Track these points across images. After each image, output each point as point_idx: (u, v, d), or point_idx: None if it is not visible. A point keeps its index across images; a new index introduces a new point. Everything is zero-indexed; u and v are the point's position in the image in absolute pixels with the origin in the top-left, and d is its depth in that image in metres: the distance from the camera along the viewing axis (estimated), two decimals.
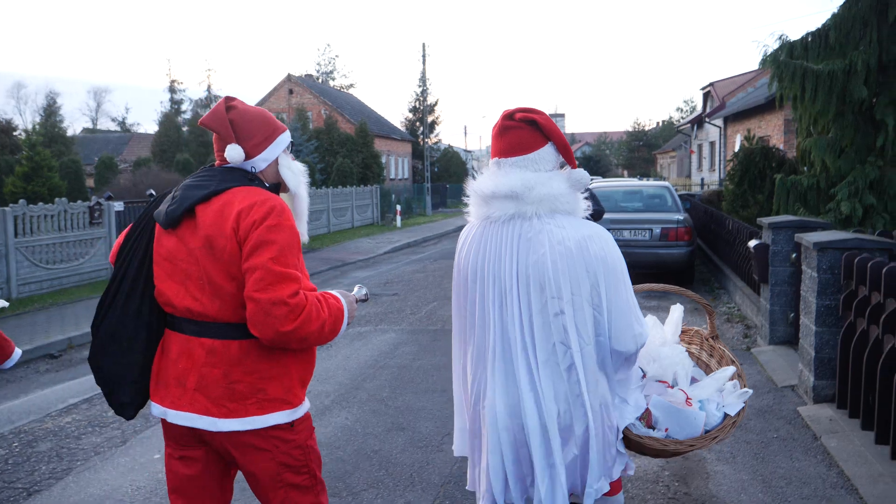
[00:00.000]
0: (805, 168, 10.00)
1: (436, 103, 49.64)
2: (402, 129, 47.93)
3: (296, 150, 30.05)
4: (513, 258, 2.10)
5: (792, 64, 8.60)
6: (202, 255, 2.09)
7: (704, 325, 6.51)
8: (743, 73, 33.03)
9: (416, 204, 34.51)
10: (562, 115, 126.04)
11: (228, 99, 2.26)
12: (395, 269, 13.90)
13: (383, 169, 35.31)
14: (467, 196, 2.27)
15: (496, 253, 2.13)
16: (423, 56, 35.97)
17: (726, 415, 2.35)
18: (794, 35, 9.50)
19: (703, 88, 37.25)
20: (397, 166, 45.19)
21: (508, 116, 2.17)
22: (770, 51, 8.98)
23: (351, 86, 56.04)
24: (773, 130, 22.44)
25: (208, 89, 46.52)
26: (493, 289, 2.14)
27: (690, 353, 2.67)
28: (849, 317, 4.61)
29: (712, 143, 32.57)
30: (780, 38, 9.30)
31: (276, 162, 2.28)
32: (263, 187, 2.19)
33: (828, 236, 4.96)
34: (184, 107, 46.98)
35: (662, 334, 2.62)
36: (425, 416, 5.11)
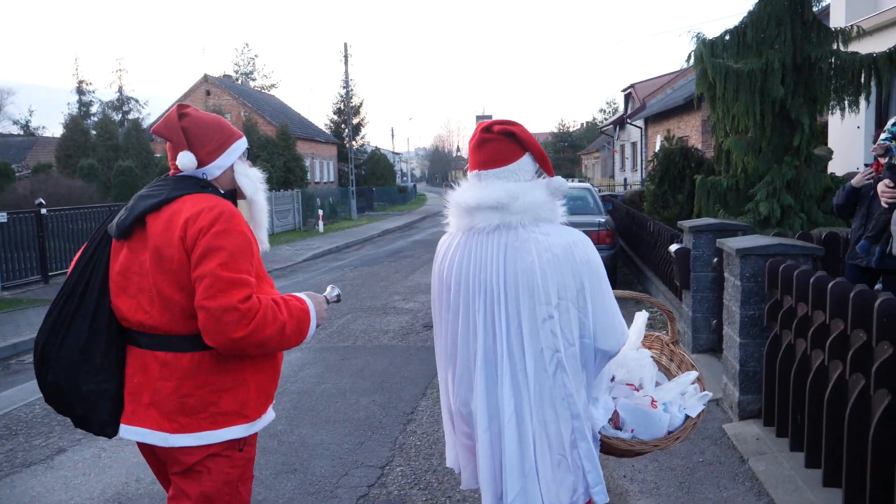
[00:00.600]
0: (723, 168, 9.92)
1: (361, 105, 48.77)
2: (328, 131, 46.91)
3: None
4: (500, 267, 2.13)
5: (714, 62, 8.44)
6: (152, 266, 2.06)
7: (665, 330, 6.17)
8: (662, 74, 33.67)
9: (342, 208, 33.69)
10: (489, 117, 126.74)
11: (181, 106, 2.24)
12: (312, 278, 13.21)
13: (307, 172, 34.32)
14: (446, 207, 2.29)
15: (482, 262, 2.16)
16: (346, 56, 35.16)
17: (687, 416, 2.44)
18: (712, 35, 9.38)
19: (624, 90, 37.83)
20: (322, 169, 44.16)
21: (486, 129, 2.21)
22: (694, 49, 8.81)
23: (272, 86, 54.58)
24: (691, 131, 22.79)
25: (119, 90, 44.39)
26: (479, 297, 2.17)
27: (652, 358, 2.73)
28: (774, 328, 4.31)
29: (634, 144, 33.06)
30: (696, 35, 9.15)
31: (231, 169, 2.27)
32: (217, 194, 2.17)
33: (750, 242, 4.67)
34: (93, 109, 44.59)
35: (629, 340, 2.66)
36: (322, 454, 4.55)
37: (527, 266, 2.10)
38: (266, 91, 51.37)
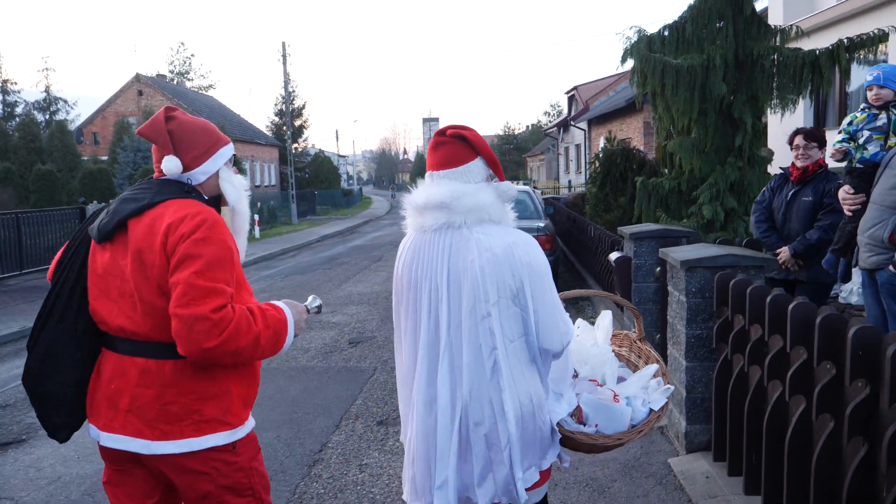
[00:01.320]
0: (665, 170, 9.52)
1: (304, 106, 47.59)
2: (269, 133, 45.64)
3: (143, 158, 27.90)
4: (444, 265, 2.20)
5: (653, 58, 7.98)
6: (133, 271, 2.06)
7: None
8: (605, 77, 33.74)
9: (282, 212, 32.62)
10: (436, 119, 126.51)
11: (169, 109, 2.23)
12: None
13: (246, 175, 33.11)
14: (403, 208, 2.35)
15: (429, 261, 2.23)
16: (284, 56, 34.09)
17: (651, 410, 2.45)
18: (651, 31, 8.93)
19: (567, 92, 37.81)
20: (263, 172, 42.91)
21: (441, 133, 2.31)
22: (630, 44, 8.34)
23: (210, 87, 52.87)
24: (633, 133, 22.67)
25: (46, 90, 42.11)
26: (426, 295, 2.24)
27: (621, 356, 2.79)
28: (724, 350, 3.79)
29: (578, 146, 33.00)
30: (638, 31, 8.71)
31: (216, 175, 2.26)
32: (201, 200, 2.17)
33: (696, 252, 4.14)
34: (18, 109, 42.24)
35: (594, 337, 2.71)
36: None
37: (468, 265, 2.16)
38: (203, 92, 49.72)
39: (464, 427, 2.17)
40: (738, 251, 4.08)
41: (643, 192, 8.71)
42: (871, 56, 8.10)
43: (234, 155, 2.35)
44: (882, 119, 4.13)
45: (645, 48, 8.25)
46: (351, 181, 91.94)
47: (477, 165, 2.26)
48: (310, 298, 2.41)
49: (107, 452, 2.17)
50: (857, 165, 4.17)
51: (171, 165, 2.15)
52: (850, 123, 4.28)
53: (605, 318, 2.77)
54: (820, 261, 4.55)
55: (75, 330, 2.13)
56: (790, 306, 2.92)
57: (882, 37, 7.39)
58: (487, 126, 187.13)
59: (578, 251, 10.84)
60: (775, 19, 14.55)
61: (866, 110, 4.21)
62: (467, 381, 2.16)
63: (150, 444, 2.05)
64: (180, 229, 2.01)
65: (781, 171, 5.08)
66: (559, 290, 2.29)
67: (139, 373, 2.07)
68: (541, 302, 2.18)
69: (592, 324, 2.78)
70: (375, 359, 6.99)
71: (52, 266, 2.25)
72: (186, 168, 2.18)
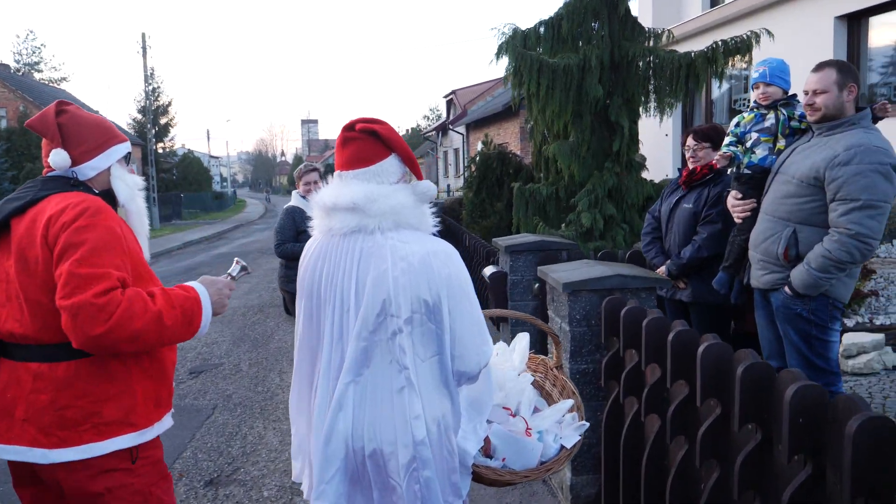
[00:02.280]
0: (541, 175, 9.07)
1: (170, 104, 44.78)
2: (131, 131, 42.48)
3: None
4: (353, 274, 1.99)
5: (528, 55, 7.44)
6: (18, 271, 2.00)
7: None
8: (483, 81, 33.78)
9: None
10: (315, 121, 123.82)
11: (62, 103, 2.19)
12: None
13: None
14: (311, 210, 2.17)
15: (336, 268, 2.03)
16: (144, 48, 31.59)
17: (562, 447, 2.32)
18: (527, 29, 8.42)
19: (445, 96, 37.58)
20: None
21: (349, 128, 2.08)
22: (504, 41, 7.78)
23: (63, 80, 48.47)
24: (510, 137, 22.56)
25: None
26: (329, 305, 2.03)
27: (535, 382, 2.61)
28: (615, 390, 3.18)
29: (456, 150, 32.80)
30: (513, 28, 8.18)
31: (107, 172, 2.21)
32: (89, 192, 2.10)
33: (580, 272, 3.52)
34: None
35: (511, 361, 2.58)
36: None
37: (379, 275, 1.95)
38: (55, 85, 45.47)
39: (366, 455, 1.95)
40: (625, 270, 3.49)
41: (520, 198, 8.19)
42: (740, 64, 7.98)
43: (130, 153, 2.30)
44: (770, 119, 3.67)
45: (520, 44, 7.73)
46: (224, 183, 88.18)
47: (391, 164, 2.05)
48: (233, 264, 2.33)
49: (12, 466, 2.11)
50: (745, 171, 3.69)
51: (58, 159, 2.09)
52: (737, 125, 3.80)
53: (522, 339, 2.63)
54: (703, 278, 4.05)
55: None
56: (701, 350, 2.31)
57: (756, 39, 7.24)
58: None
59: None
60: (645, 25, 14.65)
61: (754, 110, 3.75)
62: (373, 403, 1.96)
63: (48, 453, 1.96)
64: (61, 219, 1.94)
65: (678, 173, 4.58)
66: None
67: (32, 378, 1.99)
68: (459, 319, 1.98)
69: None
70: (217, 393, 5.98)
71: None
72: (75, 162, 2.13)
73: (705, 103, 14.17)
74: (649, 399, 2.80)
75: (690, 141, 4.26)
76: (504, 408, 2.37)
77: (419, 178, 2.10)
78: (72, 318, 1.84)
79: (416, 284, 1.94)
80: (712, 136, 4.19)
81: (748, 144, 3.71)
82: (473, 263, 7.75)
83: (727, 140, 3.82)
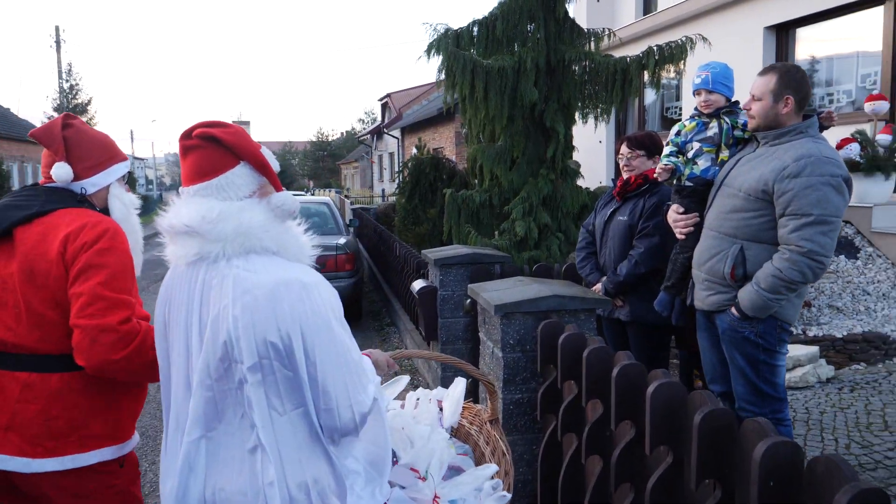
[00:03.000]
0: (476, 181, 8.78)
1: (89, 102, 42.71)
2: None
3: None
4: (196, 311, 1.69)
5: (462, 55, 7.11)
6: (20, 281, 2.00)
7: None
8: (419, 85, 33.51)
9: None
10: (247, 123, 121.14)
11: (68, 116, 2.20)
12: None
13: (6, 179, 28.56)
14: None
15: (180, 304, 1.73)
16: (58, 42, 29.98)
17: None
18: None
19: (380, 99, 37.12)
20: (36, 175, 37.68)
21: (186, 135, 1.75)
22: (435, 39, 7.44)
23: None
24: (445, 142, 22.31)
25: None
26: (177, 350, 1.74)
27: (470, 436, 2.34)
28: (552, 423, 2.88)
29: (392, 154, 32.42)
30: (446, 28, 7.86)
31: (106, 189, 2.23)
32: (94, 210, 2.14)
33: (513, 292, 3.20)
34: None
35: (434, 412, 2.28)
36: None
37: (219, 312, 1.63)
38: None
39: None
40: (563, 290, 3.18)
41: (452, 205, 7.86)
42: (672, 72, 7.88)
43: (130, 172, 2.33)
44: (713, 128, 3.43)
45: (453, 44, 7.41)
46: (150, 186, 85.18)
47: (240, 174, 1.73)
48: None
49: None
50: (687, 183, 3.45)
51: (61, 172, 2.10)
52: (677, 134, 3.55)
53: (458, 386, 2.37)
54: (642, 296, 3.80)
55: None
56: (651, 390, 2.00)
57: (691, 45, 7.13)
58: (301, 132, 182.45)
59: (386, 271, 9.80)
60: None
61: (696, 118, 3.51)
62: (224, 466, 1.65)
63: (31, 462, 1.95)
64: (81, 238, 1.97)
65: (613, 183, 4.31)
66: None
67: (21, 387, 1.98)
68: (321, 365, 1.64)
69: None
70: None
71: None
72: (77, 177, 2.13)
73: (638, 111, 14.23)
74: (591, 439, 2.49)
75: (624, 149, 4.00)
76: (412, 469, 2.04)
77: (278, 188, 1.79)
78: (89, 339, 1.88)
79: (262, 323, 1.60)
80: (647, 145, 3.94)
81: (689, 155, 3.47)
82: (404, 275, 7.39)
83: (667, 150, 3.57)
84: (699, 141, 3.43)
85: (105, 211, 2.21)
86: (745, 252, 2.99)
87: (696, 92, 3.47)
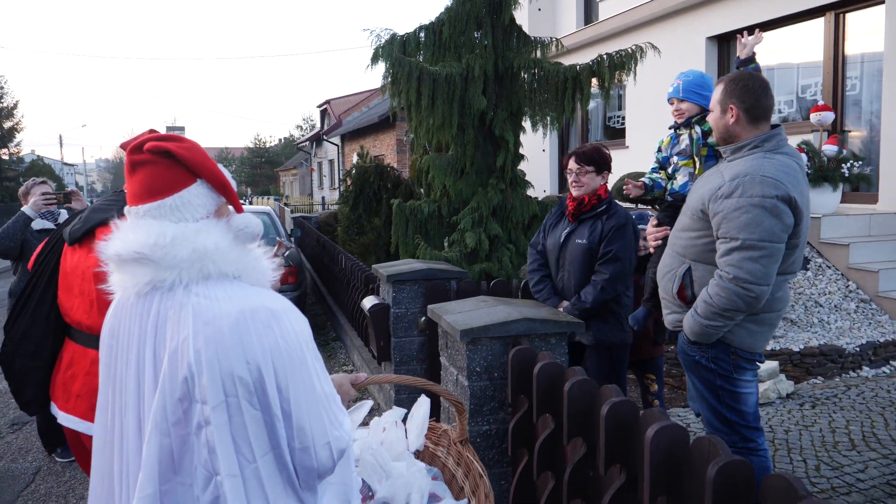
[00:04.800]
0: (421, 190, 8.53)
1: (16, 106, 40.70)
2: None
3: None
4: (146, 347, 1.52)
5: (407, 62, 6.85)
6: (94, 275, 2.25)
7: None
8: (359, 92, 33.12)
9: None
10: (181, 128, 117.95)
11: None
12: None
13: None
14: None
15: (130, 340, 1.56)
16: None
17: None
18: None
19: (319, 106, 36.55)
20: None
21: (136, 148, 1.58)
22: (382, 42, 7.16)
23: None
24: (387, 149, 22.02)
25: None
26: (128, 392, 1.55)
27: (436, 457, 2.28)
28: (524, 459, 2.64)
29: (332, 161, 31.93)
30: (391, 34, 7.60)
31: None
32: None
33: (480, 316, 2.95)
34: None
35: (404, 438, 2.16)
36: None
37: (177, 346, 1.45)
38: None
39: None
40: (532, 313, 2.95)
41: (399, 216, 7.58)
42: (624, 81, 7.83)
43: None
44: (685, 140, 3.28)
45: (399, 50, 7.14)
46: (82, 192, 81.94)
47: (196, 193, 1.57)
48: None
49: (67, 432, 2.51)
50: (668, 198, 3.30)
51: None
52: (658, 150, 3.41)
53: (423, 406, 2.26)
54: (604, 319, 3.61)
55: (48, 318, 2.48)
56: (651, 433, 1.78)
57: (640, 53, 7.06)
58: (237, 138, 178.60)
59: (330, 283, 9.42)
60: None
61: (671, 131, 3.36)
62: None
63: (92, 427, 1.99)
64: None
65: (558, 202, 4.06)
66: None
67: (90, 363, 2.35)
68: (295, 400, 1.48)
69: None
70: (40, 454, 4.94)
71: (33, 256, 2.64)
72: None
73: (582, 120, 14.26)
74: (573, 481, 2.26)
75: (573, 164, 3.68)
76: None
77: (238, 210, 1.63)
78: None
79: (227, 357, 1.44)
80: (596, 160, 3.65)
81: (670, 170, 3.32)
82: (351, 288, 7.06)
83: (652, 166, 3.42)
84: (677, 154, 3.29)
85: None
86: (693, 273, 2.80)
87: (670, 101, 3.32)
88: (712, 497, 1.56)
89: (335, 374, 1.81)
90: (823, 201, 6.59)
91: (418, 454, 2.24)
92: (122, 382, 1.59)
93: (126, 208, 1.66)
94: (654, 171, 3.33)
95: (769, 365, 5.12)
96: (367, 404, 2.12)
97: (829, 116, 7.01)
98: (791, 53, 9.27)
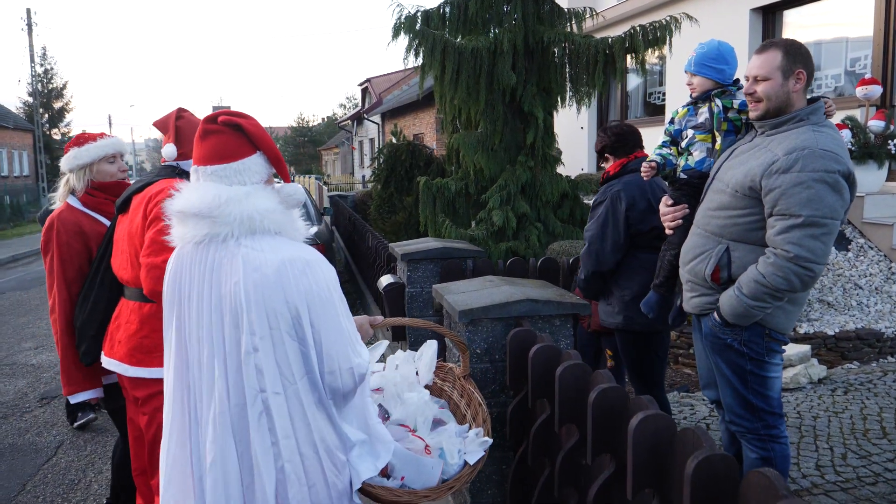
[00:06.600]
0: (452, 168, 8.43)
1: (65, 86, 41.81)
2: (22, 115, 39.40)
3: None
4: (208, 289, 1.84)
5: (430, 34, 6.73)
6: (130, 234, 2.59)
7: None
8: (400, 70, 32.97)
9: (35, 208, 27.79)
10: (227, 107, 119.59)
11: (181, 109, 2.80)
12: None
13: None
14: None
15: (191, 282, 1.88)
16: (29, 25, 29.09)
17: (466, 463, 2.20)
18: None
19: (360, 84, 36.53)
20: (12, 161, 36.78)
21: (211, 119, 1.92)
22: (405, 16, 7.04)
23: None
24: (426, 128, 21.92)
25: None
26: (186, 327, 1.89)
27: (444, 391, 2.56)
28: (523, 444, 2.55)
29: (372, 140, 31.94)
30: (416, 9, 7.47)
31: None
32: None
33: (482, 296, 2.86)
34: None
35: (412, 371, 2.51)
36: None
37: (231, 288, 1.79)
38: None
39: (242, 491, 1.78)
40: (536, 293, 2.85)
41: (427, 194, 7.51)
42: (657, 55, 7.55)
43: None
44: (703, 113, 3.08)
45: (423, 24, 7.02)
46: (130, 172, 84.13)
47: (255, 162, 1.87)
48: None
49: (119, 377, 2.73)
50: (681, 175, 3.12)
51: (167, 150, 2.71)
52: (671, 122, 3.22)
53: (430, 348, 2.58)
54: (606, 300, 3.49)
55: (104, 280, 2.82)
56: (634, 422, 1.68)
57: (676, 25, 6.79)
58: (280, 117, 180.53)
59: (359, 261, 9.43)
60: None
61: (688, 103, 3.18)
62: (229, 434, 1.78)
63: (128, 368, 2.57)
64: (157, 197, 2.45)
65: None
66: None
67: (129, 311, 2.64)
68: (324, 333, 1.81)
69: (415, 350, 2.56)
70: (65, 428, 5.05)
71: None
72: (182, 157, 2.69)
73: (621, 96, 13.90)
74: (564, 468, 2.17)
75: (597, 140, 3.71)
76: (402, 425, 2.25)
77: (286, 180, 1.93)
78: (145, 273, 2.41)
79: (270, 297, 1.77)
80: (615, 136, 3.63)
81: (683, 144, 3.14)
82: (376, 268, 7.03)
83: (661, 140, 3.24)
84: (692, 128, 3.10)
85: None
86: (731, 253, 2.65)
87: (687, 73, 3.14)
88: (690, 493, 1.46)
89: (357, 316, 2.07)
90: (867, 179, 6.27)
91: (428, 388, 2.51)
92: (185, 314, 1.88)
93: (193, 167, 1.91)
94: (664, 144, 3.16)
95: (800, 349, 4.91)
96: (384, 343, 2.38)
97: (877, 90, 6.65)
98: (839, 27, 8.82)
